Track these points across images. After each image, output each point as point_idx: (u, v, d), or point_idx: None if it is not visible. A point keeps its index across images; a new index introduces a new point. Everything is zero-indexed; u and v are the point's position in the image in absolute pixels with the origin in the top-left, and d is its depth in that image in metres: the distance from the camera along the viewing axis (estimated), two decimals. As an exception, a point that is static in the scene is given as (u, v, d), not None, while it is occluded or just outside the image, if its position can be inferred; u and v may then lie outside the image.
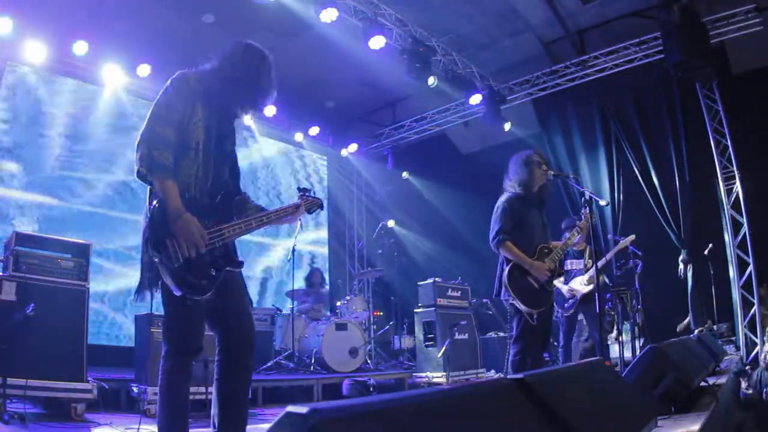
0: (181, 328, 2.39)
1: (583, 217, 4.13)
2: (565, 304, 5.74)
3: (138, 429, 2.89)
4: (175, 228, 2.24)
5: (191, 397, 2.46)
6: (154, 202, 2.27)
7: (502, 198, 3.90)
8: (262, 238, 9.38)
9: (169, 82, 2.43)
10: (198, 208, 2.33)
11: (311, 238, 10.34)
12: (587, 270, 5.72)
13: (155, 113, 2.33)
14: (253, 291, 9.09)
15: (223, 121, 2.54)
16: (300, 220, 7.63)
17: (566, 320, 5.82)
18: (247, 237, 8.77)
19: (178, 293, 2.24)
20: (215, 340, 2.47)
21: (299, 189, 2.81)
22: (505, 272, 3.72)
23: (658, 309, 7.09)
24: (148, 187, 2.38)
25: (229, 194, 2.52)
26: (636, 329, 6.07)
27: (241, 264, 2.50)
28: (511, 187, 3.93)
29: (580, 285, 5.68)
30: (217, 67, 2.53)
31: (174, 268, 2.22)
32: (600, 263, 5.72)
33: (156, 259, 2.22)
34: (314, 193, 2.87)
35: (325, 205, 10.51)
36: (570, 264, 5.92)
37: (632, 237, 5.94)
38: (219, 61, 2.55)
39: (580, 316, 5.83)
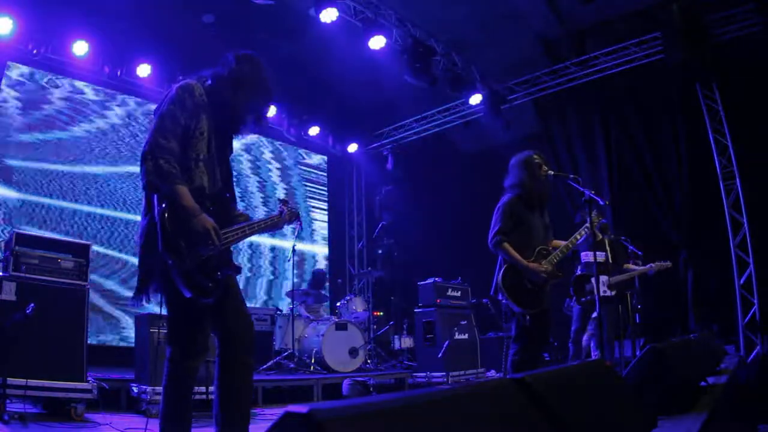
0: (186, 330, 2.41)
1: (588, 219, 4.13)
2: (582, 299, 5.71)
3: (145, 429, 2.90)
4: (193, 225, 2.26)
5: (193, 397, 2.47)
6: (163, 206, 2.27)
7: (503, 199, 3.91)
8: (262, 238, 9.37)
9: (173, 91, 2.41)
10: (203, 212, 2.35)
11: (312, 238, 10.34)
12: (610, 265, 5.63)
13: (159, 126, 2.33)
14: (254, 291, 9.09)
15: (224, 131, 2.56)
16: (298, 227, 7.66)
17: (580, 315, 5.82)
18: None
19: (188, 295, 2.25)
20: (215, 341, 2.48)
21: (279, 200, 2.92)
22: (500, 273, 3.74)
23: (658, 309, 7.09)
24: (146, 194, 2.39)
25: (225, 201, 2.56)
26: (636, 329, 6.06)
27: (239, 269, 2.56)
28: (511, 188, 3.94)
29: (602, 284, 5.66)
30: (220, 79, 2.51)
31: (185, 270, 2.24)
32: (619, 277, 5.68)
33: (169, 262, 2.22)
34: (295, 206, 2.99)
35: (325, 205, 10.67)
36: (587, 257, 5.80)
37: (668, 264, 5.91)
38: (222, 73, 2.52)
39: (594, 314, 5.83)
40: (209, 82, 2.52)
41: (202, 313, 2.39)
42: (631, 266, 5.92)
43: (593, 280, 5.64)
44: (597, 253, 5.72)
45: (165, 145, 2.29)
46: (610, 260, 5.56)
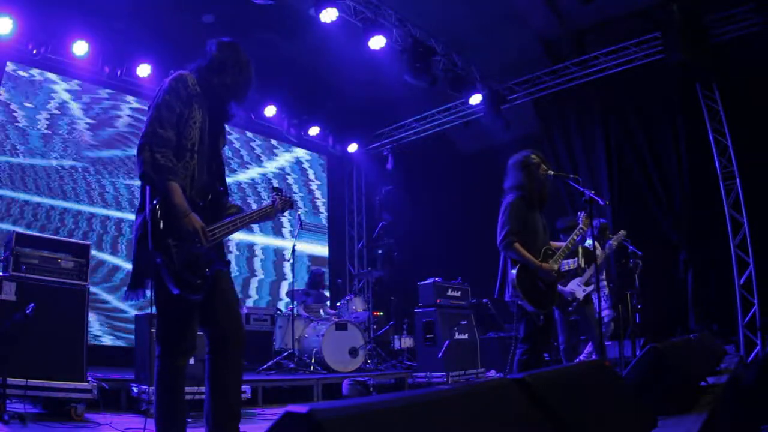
0: (175, 327, 2.42)
1: (580, 221, 4.14)
2: (569, 308, 5.73)
3: (144, 429, 2.90)
4: (182, 225, 2.28)
5: (191, 397, 2.47)
6: (154, 202, 2.29)
7: (508, 199, 3.90)
8: (261, 238, 9.38)
9: (166, 82, 2.45)
10: (193, 209, 2.35)
11: (311, 238, 10.35)
12: (581, 269, 5.67)
13: (155, 115, 2.36)
14: (253, 291, 9.09)
15: (215, 120, 2.57)
16: (300, 220, 7.63)
17: (567, 322, 5.82)
18: (246, 237, 8.69)
19: (176, 292, 2.26)
20: (205, 339, 2.49)
21: (273, 189, 2.89)
22: (514, 274, 3.73)
23: (658, 309, 7.08)
24: (143, 186, 2.40)
25: (218, 194, 2.56)
26: (636, 329, 6.06)
27: (228, 263, 2.56)
28: (511, 190, 3.93)
29: (578, 287, 5.67)
30: (203, 69, 2.55)
31: (174, 268, 2.25)
32: (590, 272, 5.70)
33: (158, 260, 2.23)
34: (288, 192, 2.96)
35: (325, 205, 10.67)
36: (566, 265, 5.88)
37: (623, 232, 5.92)
38: (203, 63, 2.57)
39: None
40: (195, 71, 2.56)
41: (190, 310, 2.40)
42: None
43: (577, 285, 5.66)
44: (569, 261, 5.78)
45: (162, 134, 2.32)
46: (582, 265, 5.59)
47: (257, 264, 9.28)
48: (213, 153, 2.56)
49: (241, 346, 2.46)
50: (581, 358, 5.92)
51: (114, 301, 7.34)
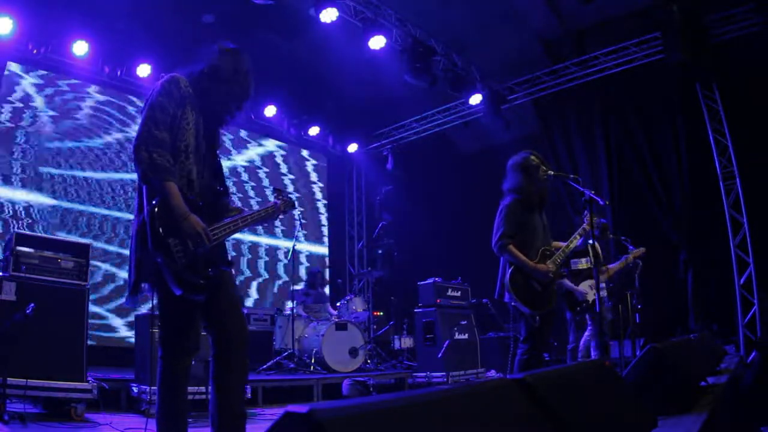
0: (177, 328, 2.42)
1: (585, 219, 4.13)
2: (577, 308, 5.73)
3: (144, 429, 2.90)
4: (183, 228, 2.27)
5: (192, 397, 2.47)
6: (153, 202, 2.28)
7: (504, 202, 3.90)
8: (261, 238, 9.37)
9: (158, 84, 2.45)
10: (192, 210, 2.34)
11: (311, 238, 10.34)
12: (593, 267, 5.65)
13: (149, 116, 2.35)
14: (253, 291, 9.09)
15: (211, 123, 2.57)
16: (299, 220, 7.63)
17: (575, 322, 5.83)
18: (246, 237, 8.66)
19: (178, 293, 2.25)
20: (209, 340, 2.48)
21: (274, 189, 2.90)
22: (508, 276, 3.74)
23: (658, 309, 7.09)
24: (140, 187, 2.39)
25: (217, 195, 2.56)
26: (636, 329, 6.06)
27: (232, 263, 2.56)
28: (510, 192, 3.93)
29: (591, 289, 5.66)
30: (202, 71, 2.54)
31: (176, 268, 2.24)
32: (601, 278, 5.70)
33: (159, 260, 2.23)
34: (289, 193, 2.95)
35: (325, 205, 10.66)
36: (579, 263, 5.85)
37: (642, 249, 5.91)
38: (203, 65, 2.55)
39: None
40: (193, 73, 2.54)
41: (193, 311, 2.40)
42: (608, 266, 5.91)
43: (589, 287, 5.66)
44: (581, 259, 5.75)
45: (157, 135, 2.31)
46: (592, 265, 5.58)
47: (259, 264, 9.28)
48: (209, 154, 2.55)
49: (245, 347, 2.45)
50: (578, 357, 5.93)
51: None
